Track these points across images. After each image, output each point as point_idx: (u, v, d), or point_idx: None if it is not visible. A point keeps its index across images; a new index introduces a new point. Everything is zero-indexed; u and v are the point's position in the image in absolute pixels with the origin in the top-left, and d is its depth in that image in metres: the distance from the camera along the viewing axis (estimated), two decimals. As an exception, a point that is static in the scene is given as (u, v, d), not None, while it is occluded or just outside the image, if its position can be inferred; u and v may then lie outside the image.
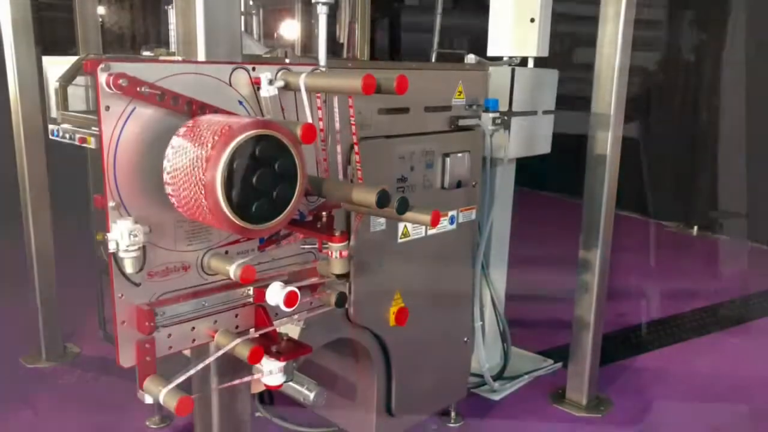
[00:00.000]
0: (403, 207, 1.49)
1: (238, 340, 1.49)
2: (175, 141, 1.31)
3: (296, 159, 1.34)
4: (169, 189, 1.32)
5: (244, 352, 1.46)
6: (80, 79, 2.52)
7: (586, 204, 2.98)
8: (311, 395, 2.26)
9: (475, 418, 2.97)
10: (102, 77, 1.28)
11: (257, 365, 1.52)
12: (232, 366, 1.72)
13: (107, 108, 1.31)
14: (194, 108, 1.41)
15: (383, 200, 1.43)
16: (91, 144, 2.59)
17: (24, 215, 3.17)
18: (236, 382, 1.59)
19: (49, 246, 3.22)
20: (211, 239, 1.53)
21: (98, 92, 1.29)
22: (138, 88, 1.31)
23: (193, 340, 1.53)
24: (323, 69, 1.63)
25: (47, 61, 2.74)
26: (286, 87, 1.55)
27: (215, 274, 1.54)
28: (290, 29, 3.51)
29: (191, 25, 1.52)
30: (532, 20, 3.11)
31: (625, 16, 2.75)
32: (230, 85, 1.49)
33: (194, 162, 1.25)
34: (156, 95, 1.34)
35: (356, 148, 1.70)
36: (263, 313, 1.60)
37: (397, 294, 2.42)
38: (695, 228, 6.14)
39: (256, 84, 1.53)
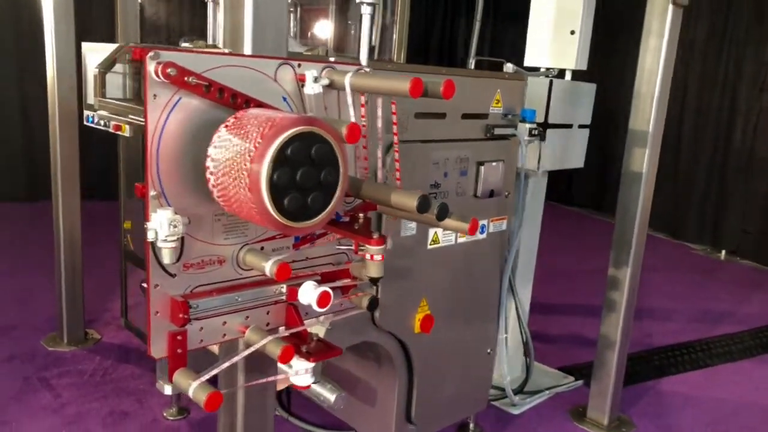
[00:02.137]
0: (444, 213, 1.47)
1: (269, 338, 1.47)
2: (222, 133, 1.30)
3: (339, 158, 1.33)
4: (212, 181, 1.30)
5: (275, 351, 1.45)
6: (118, 67, 2.54)
7: (619, 221, 2.93)
8: (332, 398, 2.25)
9: (494, 432, 2.93)
10: (151, 66, 1.28)
11: (284, 364, 1.50)
12: (259, 363, 1.70)
13: (154, 96, 1.30)
14: (239, 101, 1.40)
15: (424, 206, 1.41)
16: (126, 132, 2.60)
17: (54, 199, 3.20)
18: (264, 380, 1.58)
19: (77, 230, 3.24)
20: (248, 234, 1.51)
21: (146, 80, 1.28)
22: (185, 78, 1.30)
23: (224, 335, 1.52)
24: (367, 70, 1.62)
25: (86, 47, 2.76)
26: (330, 85, 1.54)
27: (250, 269, 1.53)
28: (324, 28, 3.51)
29: (239, 19, 1.51)
30: (573, 32, 3.08)
31: (670, 31, 2.71)
32: (275, 81, 1.48)
33: (240, 155, 1.24)
34: (203, 86, 1.33)
35: (396, 149, 1.68)
36: (294, 312, 1.58)
37: (423, 301, 2.39)
38: (723, 252, 6.04)
39: (300, 81, 1.52)
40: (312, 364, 1.55)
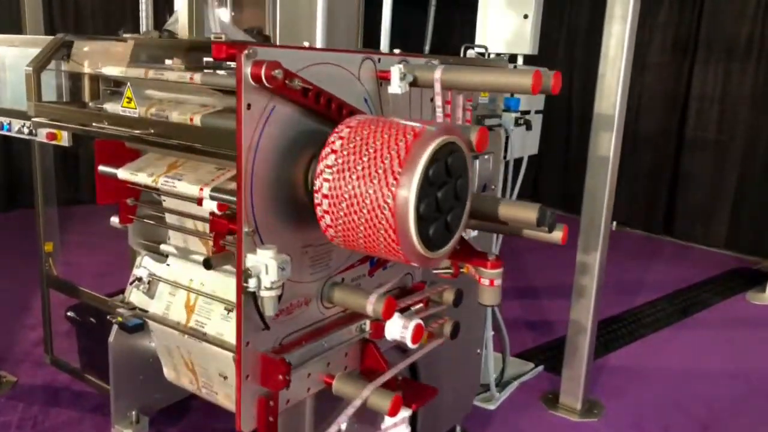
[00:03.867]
0: (553, 225, 1.31)
1: (371, 387, 1.23)
2: (337, 148, 1.04)
3: (470, 170, 1.12)
4: (324, 206, 1.04)
5: (383, 404, 1.21)
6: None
7: (587, 206, 2.92)
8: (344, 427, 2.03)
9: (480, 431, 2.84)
10: (247, 66, 0.98)
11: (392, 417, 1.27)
12: (327, 413, 1.45)
13: (248, 106, 1.01)
14: (333, 107, 1.14)
15: (544, 218, 1.24)
16: (63, 140, 2.20)
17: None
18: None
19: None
20: (330, 266, 1.26)
21: (239, 85, 0.99)
22: (287, 82, 1.02)
23: (308, 389, 1.25)
24: (435, 62, 1.40)
25: (-8, 39, 2.28)
26: (413, 83, 1.31)
27: (332, 306, 1.27)
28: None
29: (305, 5, 1.24)
30: (526, 16, 3.02)
31: (632, 16, 2.72)
32: (359, 79, 1.23)
33: (375, 176, 0.99)
34: (302, 91, 1.06)
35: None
36: (377, 352, 1.35)
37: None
38: (614, 223, 6.40)
39: (381, 78, 1.28)
40: (410, 412, 1.33)
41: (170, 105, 1.91)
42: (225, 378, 1.82)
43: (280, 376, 1.11)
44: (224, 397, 1.90)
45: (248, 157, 1.03)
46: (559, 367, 3.18)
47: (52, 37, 2.07)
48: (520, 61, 3.08)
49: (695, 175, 5.92)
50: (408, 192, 0.98)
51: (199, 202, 1.87)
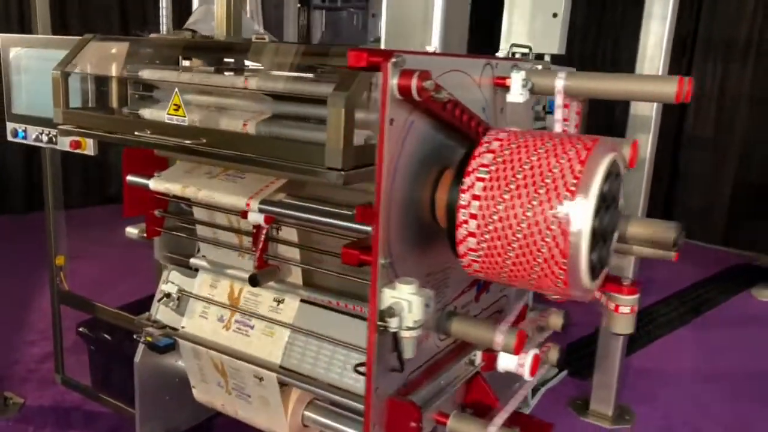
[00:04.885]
0: (683, 243, 1.20)
1: (495, 428, 1.11)
2: (485, 179, 0.91)
3: (622, 188, 1.00)
4: (473, 243, 0.91)
5: (512, 446, 1.10)
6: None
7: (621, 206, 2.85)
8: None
9: (517, 444, 2.74)
10: (394, 76, 0.85)
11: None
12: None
13: (391, 122, 0.87)
14: (465, 119, 1.01)
15: (679, 238, 1.13)
16: (88, 149, 2.03)
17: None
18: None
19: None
20: (447, 294, 1.13)
21: (384, 98, 0.86)
22: (433, 94, 0.89)
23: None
24: (539, 67, 1.29)
25: (4, 39, 2.10)
26: (531, 90, 1.19)
27: (446, 338, 1.15)
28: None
29: (417, 4, 1.10)
30: (555, 15, 2.92)
31: (672, 14, 2.63)
32: (479, 86, 1.10)
33: (538, 209, 0.87)
34: (444, 103, 0.93)
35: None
36: (486, 384, 1.23)
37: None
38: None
39: (498, 85, 1.16)
40: (526, 448, 1.22)
41: (214, 112, 1.76)
42: (260, 380, 1.69)
43: (413, 423, 0.98)
44: (258, 400, 1.76)
45: (388, 178, 0.89)
46: (582, 371, 3.09)
47: (78, 37, 1.89)
48: (547, 60, 2.99)
49: (693, 171, 5.91)
50: (584, 221, 0.85)
51: (243, 214, 1.73)
